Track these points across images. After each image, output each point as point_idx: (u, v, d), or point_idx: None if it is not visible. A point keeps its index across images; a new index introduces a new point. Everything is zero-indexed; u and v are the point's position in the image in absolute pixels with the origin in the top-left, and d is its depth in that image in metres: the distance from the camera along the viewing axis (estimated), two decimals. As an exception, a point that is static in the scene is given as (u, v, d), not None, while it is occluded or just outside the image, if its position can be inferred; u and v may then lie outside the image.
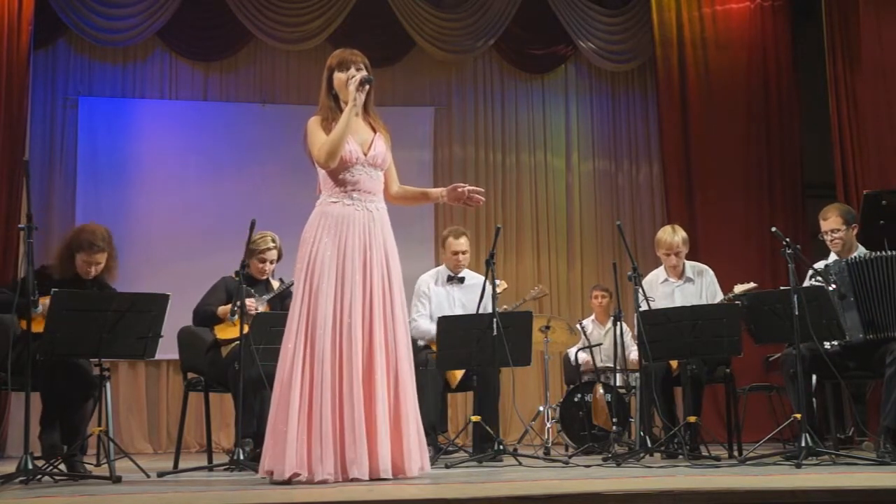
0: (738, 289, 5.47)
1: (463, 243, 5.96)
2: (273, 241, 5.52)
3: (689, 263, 5.88)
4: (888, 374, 4.69)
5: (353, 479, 3.56)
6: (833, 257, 5.22)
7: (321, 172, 3.96)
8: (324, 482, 3.56)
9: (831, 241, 5.18)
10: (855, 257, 5.04)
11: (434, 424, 5.47)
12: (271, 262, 5.54)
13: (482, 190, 4.15)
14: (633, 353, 6.38)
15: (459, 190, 4.07)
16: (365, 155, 3.92)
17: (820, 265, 5.12)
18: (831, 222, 5.16)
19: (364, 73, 3.92)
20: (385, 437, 3.67)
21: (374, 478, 3.61)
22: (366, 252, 3.84)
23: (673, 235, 5.79)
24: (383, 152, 3.98)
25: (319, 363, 3.68)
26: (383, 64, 9.11)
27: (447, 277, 5.99)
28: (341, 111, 3.91)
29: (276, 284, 5.57)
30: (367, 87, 3.92)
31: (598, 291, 7.51)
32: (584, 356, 7.03)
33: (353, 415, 3.63)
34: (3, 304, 4.50)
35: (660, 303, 5.66)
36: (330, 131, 3.87)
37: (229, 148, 8.82)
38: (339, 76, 3.95)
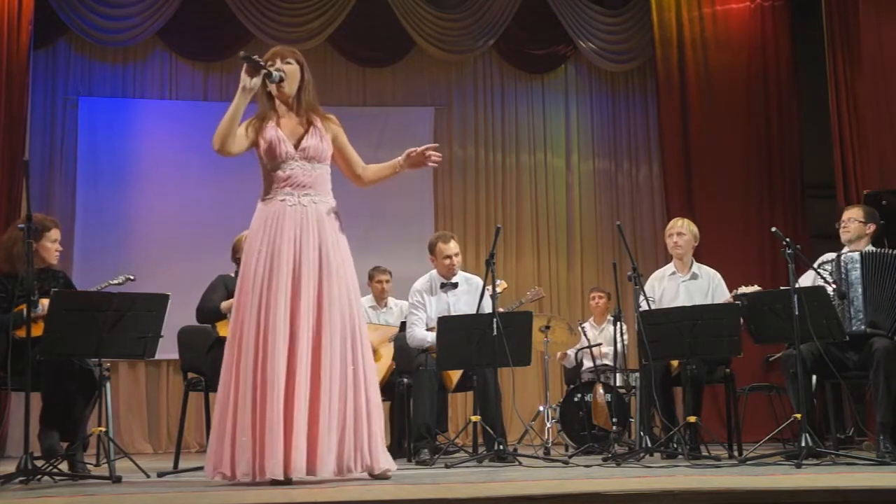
0: (742, 291, 5.47)
1: (453, 247, 5.84)
2: None
3: (696, 264, 5.88)
4: (872, 372, 4.78)
5: (269, 478, 3.54)
6: (845, 250, 5.25)
7: (262, 171, 3.99)
8: (246, 481, 3.57)
9: (844, 227, 5.26)
10: (869, 250, 5.12)
11: (430, 425, 5.45)
12: None
13: (436, 145, 4.08)
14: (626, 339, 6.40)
15: (413, 155, 3.99)
16: (295, 148, 3.90)
17: (828, 256, 5.16)
18: (851, 212, 5.30)
19: (257, 59, 3.85)
20: (302, 437, 3.60)
21: (289, 476, 3.55)
22: (296, 247, 3.78)
23: (680, 220, 5.88)
24: (316, 144, 3.91)
25: (244, 361, 3.66)
26: (383, 64, 9.13)
27: (440, 285, 5.87)
28: (274, 108, 3.95)
29: None
30: (256, 69, 3.84)
31: (596, 293, 7.53)
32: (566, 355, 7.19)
33: (272, 415, 3.58)
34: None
35: (665, 297, 5.68)
36: (261, 128, 3.92)
37: (229, 148, 8.80)
38: None
